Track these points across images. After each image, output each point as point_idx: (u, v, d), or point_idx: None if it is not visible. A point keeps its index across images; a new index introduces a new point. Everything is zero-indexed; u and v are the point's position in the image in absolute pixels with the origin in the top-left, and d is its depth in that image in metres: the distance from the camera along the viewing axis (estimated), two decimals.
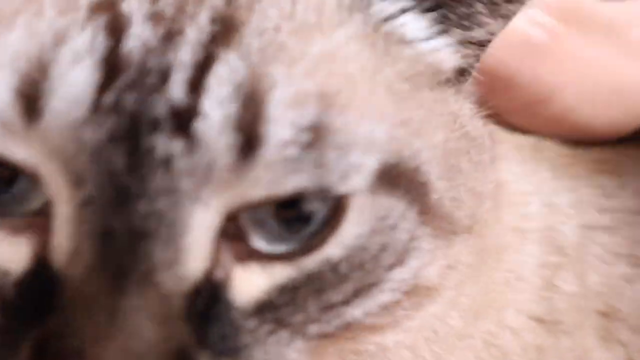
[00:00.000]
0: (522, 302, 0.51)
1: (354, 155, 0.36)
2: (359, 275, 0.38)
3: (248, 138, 0.35)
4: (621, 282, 0.52)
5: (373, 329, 0.41)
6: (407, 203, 0.39)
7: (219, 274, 0.37)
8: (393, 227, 0.39)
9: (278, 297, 0.37)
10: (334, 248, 0.38)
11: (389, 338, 0.43)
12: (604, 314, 0.51)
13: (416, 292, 0.42)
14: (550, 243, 0.52)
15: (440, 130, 0.41)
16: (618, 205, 0.54)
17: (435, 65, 0.42)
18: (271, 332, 0.38)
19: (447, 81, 0.44)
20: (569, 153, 0.56)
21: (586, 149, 0.56)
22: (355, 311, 0.39)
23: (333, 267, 0.38)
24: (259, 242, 0.37)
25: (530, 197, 0.53)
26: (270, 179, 0.35)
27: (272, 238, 0.37)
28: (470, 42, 0.43)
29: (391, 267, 0.39)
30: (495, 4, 0.41)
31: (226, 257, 0.37)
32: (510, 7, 0.42)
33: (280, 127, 0.35)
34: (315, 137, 0.35)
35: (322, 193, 0.36)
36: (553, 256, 0.52)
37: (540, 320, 0.51)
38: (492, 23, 0.42)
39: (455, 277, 0.44)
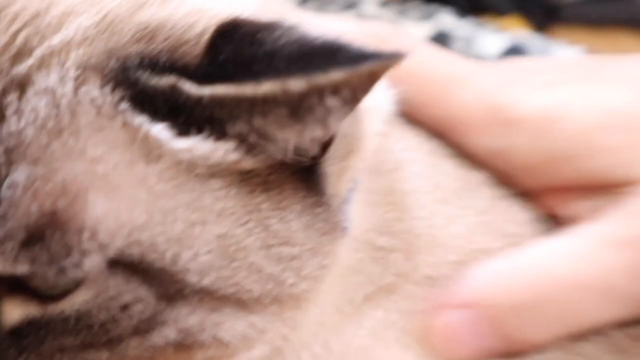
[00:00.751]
0: None
1: (77, 252, 0.41)
2: (88, 332, 0.44)
3: None
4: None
5: None
6: (145, 289, 0.44)
7: None
8: (123, 307, 0.44)
9: (28, 329, 0.44)
10: (68, 305, 0.43)
11: None
12: None
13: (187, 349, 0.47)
14: None
15: (218, 226, 0.45)
16: None
17: (207, 163, 0.44)
18: (18, 356, 0.44)
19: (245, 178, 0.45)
20: None
21: None
22: (93, 357, 0.45)
23: (65, 319, 0.43)
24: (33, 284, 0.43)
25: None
26: None
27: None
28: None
29: (128, 335, 0.44)
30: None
31: (2, 290, 0.43)
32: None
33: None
34: (36, 236, 0.41)
35: (45, 277, 0.42)
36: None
37: None
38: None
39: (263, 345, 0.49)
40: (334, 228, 0.50)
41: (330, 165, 0.49)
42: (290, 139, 0.44)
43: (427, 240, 0.56)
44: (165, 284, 0.44)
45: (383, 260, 0.55)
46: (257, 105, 0.42)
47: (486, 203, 0.58)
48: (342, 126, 0.48)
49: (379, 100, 0.55)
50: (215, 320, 0.47)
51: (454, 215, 0.56)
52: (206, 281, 0.45)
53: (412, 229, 0.56)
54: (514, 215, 0.58)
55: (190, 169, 0.44)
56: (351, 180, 0.53)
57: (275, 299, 0.48)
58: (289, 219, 0.47)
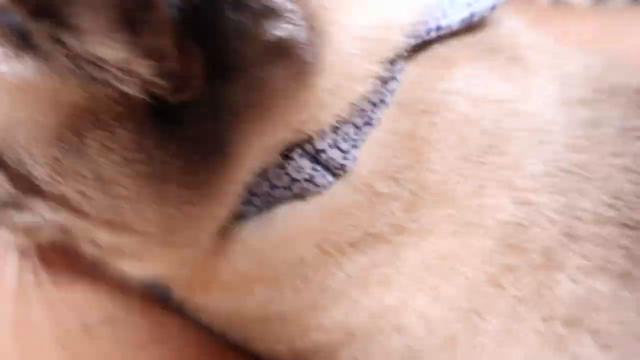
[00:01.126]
0: None
1: None
2: None
3: None
4: None
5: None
6: (4, 177, 0.51)
7: None
8: None
9: None
10: None
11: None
12: None
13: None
14: None
15: (51, 148, 0.49)
16: None
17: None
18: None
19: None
20: None
21: None
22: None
23: None
24: None
25: None
26: None
27: None
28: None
29: (3, 206, 0.53)
30: None
31: None
32: None
33: None
34: None
35: None
36: None
37: None
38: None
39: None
40: (209, 182, 0.49)
41: (229, 116, 0.47)
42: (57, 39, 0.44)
43: (435, 195, 0.52)
44: (20, 180, 0.50)
45: (380, 206, 0.52)
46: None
47: (510, 159, 0.53)
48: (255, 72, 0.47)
49: (375, 41, 0.52)
50: (78, 225, 0.52)
51: (471, 174, 0.52)
52: (52, 189, 0.50)
53: (422, 181, 0.52)
54: (531, 168, 0.53)
55: (20, 89, 0.48)
56: (285, 134, 0.51)
57: (126, 228, 0.51)
58: (120, 164, 0.48)
